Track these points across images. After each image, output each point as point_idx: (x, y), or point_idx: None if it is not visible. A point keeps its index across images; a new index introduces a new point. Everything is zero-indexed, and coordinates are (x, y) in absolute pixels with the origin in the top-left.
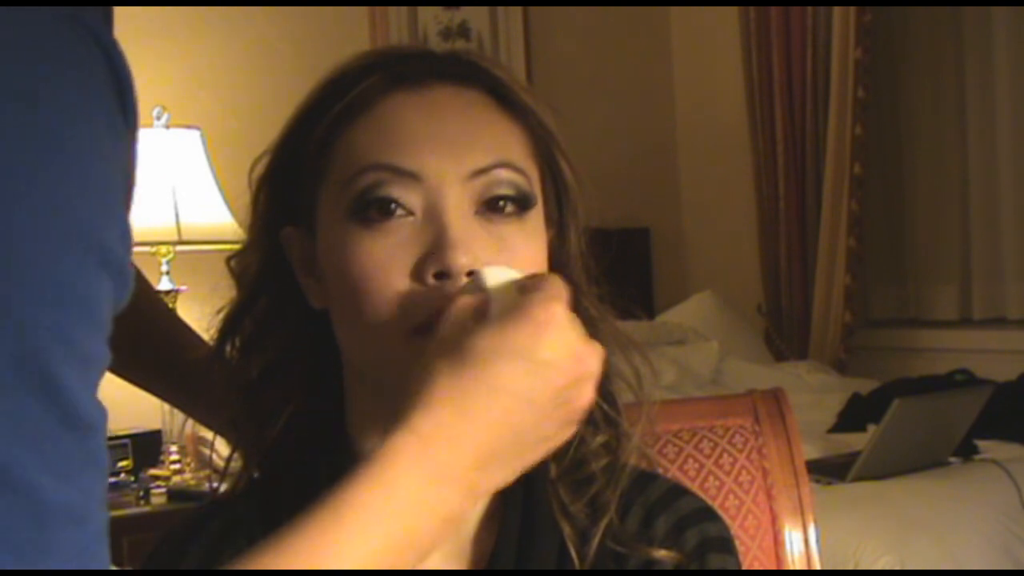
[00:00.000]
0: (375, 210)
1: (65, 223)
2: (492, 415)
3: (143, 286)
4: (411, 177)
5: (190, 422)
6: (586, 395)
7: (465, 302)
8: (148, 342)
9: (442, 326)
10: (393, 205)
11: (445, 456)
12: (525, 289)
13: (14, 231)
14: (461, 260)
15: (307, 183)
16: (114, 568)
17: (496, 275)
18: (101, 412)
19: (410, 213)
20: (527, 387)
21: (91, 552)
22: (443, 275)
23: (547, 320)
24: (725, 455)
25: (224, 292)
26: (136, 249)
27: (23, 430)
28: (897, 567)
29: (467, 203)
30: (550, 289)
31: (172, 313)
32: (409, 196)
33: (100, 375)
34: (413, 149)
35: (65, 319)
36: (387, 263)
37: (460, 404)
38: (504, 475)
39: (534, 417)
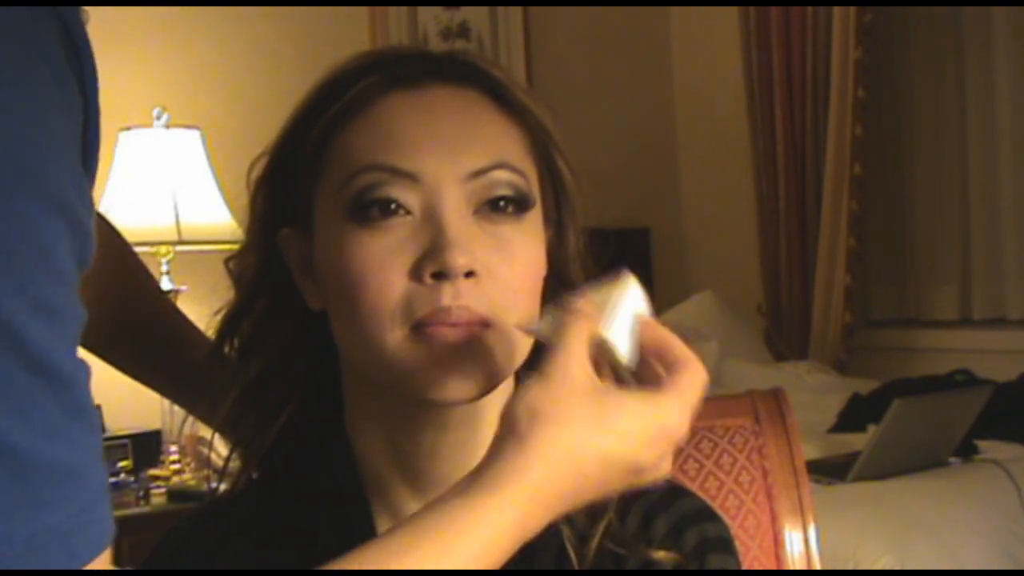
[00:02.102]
0: (373, 210)
1: (14, 169)
2: (601, 474)
3: (147, 283)
4: (409, 177)
5: (190, 422)
6: (669, 463)
7: (588, 328)
8: (151, 339)
9: (568, 343)
10: (392, 205)
11: (543, 510)
12: (663, 353)
13: None
14: (459, 260)
15: (305, 184)
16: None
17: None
18: (81, 366)
19: (408, 213)
20: (648, 457)
21: (89, 511)
22: (441, 275)
23: (694, 399)
24: (725, 455)
25: (223, 292)
26: (136, 249)
27: None
28: (897, 567)
29: (465, 203)
30: (700, 368)
31: (176, 310)
32: (407, 196)
33: (74, 329)
34: (411, 150)
35: (23, 269)
36: (385, 263)
37: (580, 465)
38: None
39: (630, 478)
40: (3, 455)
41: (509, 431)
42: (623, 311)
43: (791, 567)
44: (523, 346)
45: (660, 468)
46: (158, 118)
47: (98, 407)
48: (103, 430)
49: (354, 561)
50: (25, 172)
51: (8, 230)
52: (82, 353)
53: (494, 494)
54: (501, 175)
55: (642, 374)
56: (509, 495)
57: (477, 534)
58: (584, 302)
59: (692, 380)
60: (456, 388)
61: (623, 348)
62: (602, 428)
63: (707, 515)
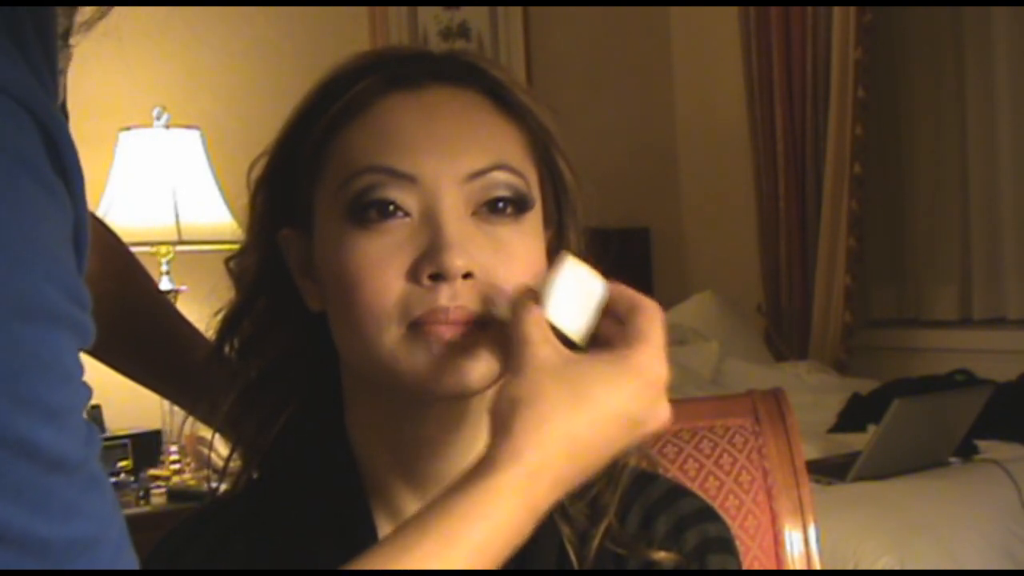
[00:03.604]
0: (371, 212)
1: (3, 296)
2: (595, 442)
3: (146, 284)
4: (407, 179)
5: (190, 422)
6: (666, 407)
7: (537, 317)
8: (150, 340)
9: (524, 334)
10: (390, 207)
11: (545, 491)
12: (615, 309)
13: None
14: (457, 262)
15: (304, 185)
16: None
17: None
18: (84, 439)
19: (407, 215)
20: (636, 408)
21: (115, 562)
22: (438, 276)
23: (659, 339)
24: (725, 455)
25: (223, 293)
26: (136, 249)
27: (5, 487)
28: (897, 567)
29: (463, 205)
30: (651, 306)
31: (175, 311)
32: (405, 198)
33: (80, 413)
34: (409, 151)
35: (29, 388)
36: (382, 264)
37: (571, 443)
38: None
39: (631, 434)
40: (33, 548)
41: (496, 426)
42: (562, 289)
43: (791, 567)
44: None
45: (658, 414)
46: (158, 118)
47: (98, 407)
48: (103, 430)
49: (359, 563)
50: (14, 297)
51: (11, 359)
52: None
53: (490, 482)
54: (500, 176)
55: (602, 336)
56: (505, 480)
57: (479, 523)
58: (526, 290)
59: (650, 323)
60: (454, 383)
61: (571, 325)
62: (580, 397)
63: (708, 515)
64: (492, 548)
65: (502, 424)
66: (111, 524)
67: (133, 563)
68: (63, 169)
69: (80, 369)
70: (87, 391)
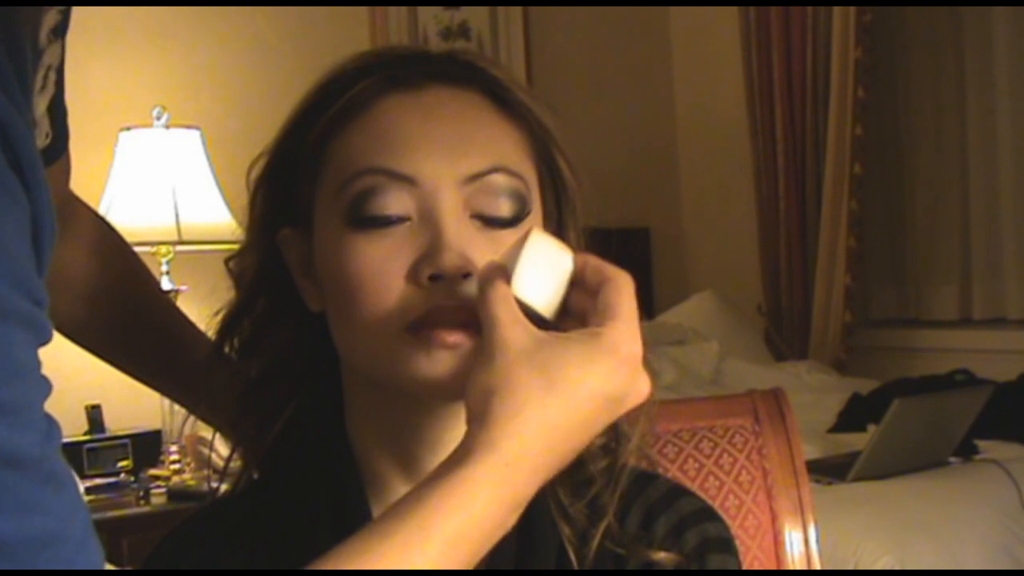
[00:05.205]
0: (371, 214)
1: None
2: (573, 426)
3: (148, 283)
4: (406, 180)
5: (190, 422)
6: (645, 380)
7: (504, 294)
8: (152, 339)
9: (493, 315)
10: (389, 209)
11: (524, 479)
12: (584, 281)
13: None
14: (456, 262)
15: (303, 185)
16: (114, 568)
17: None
18: (42, 435)
19: (406, 216)
20: (612, 387)
21: (76, 559)
22: (438, 277)
23: (631, 312)
24: (725, 455)
25: (223, 292)
26: (136, 249)
27: None
28: (897, 567)
29: (462, 206)
30: (621, 277)
31: (177, 310)
32: (404, 199)
33: (39, 407)
34: (408, 152)
35: None
36: (383, 266)
37: (548, 430)
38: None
39: (610, 412)
40: None
41: (471, 415)
42: (529, 264)
43: (791, 567)
44: None
45: (638, 389)
46: (158, 118)
47: (98, 407)
48: (103, 430)
49: (333, 555)
50: None
51: None
52: (65, 358)
53: (465, 472)
54: (499, 179)
55: (573, 308)
56: (482, 471)
57: (454, 514)
58: (493, 267)
59: (619, 295)
60: (455, 383)
61: (539, 300)
62: (554, 381)
63: (707, 515)
64: (469, 539)
65: (477, 414)
66: (72, 520)
67: (98, 560)
68: (17, 162)
69: (37, 364)
70: (46, 386)
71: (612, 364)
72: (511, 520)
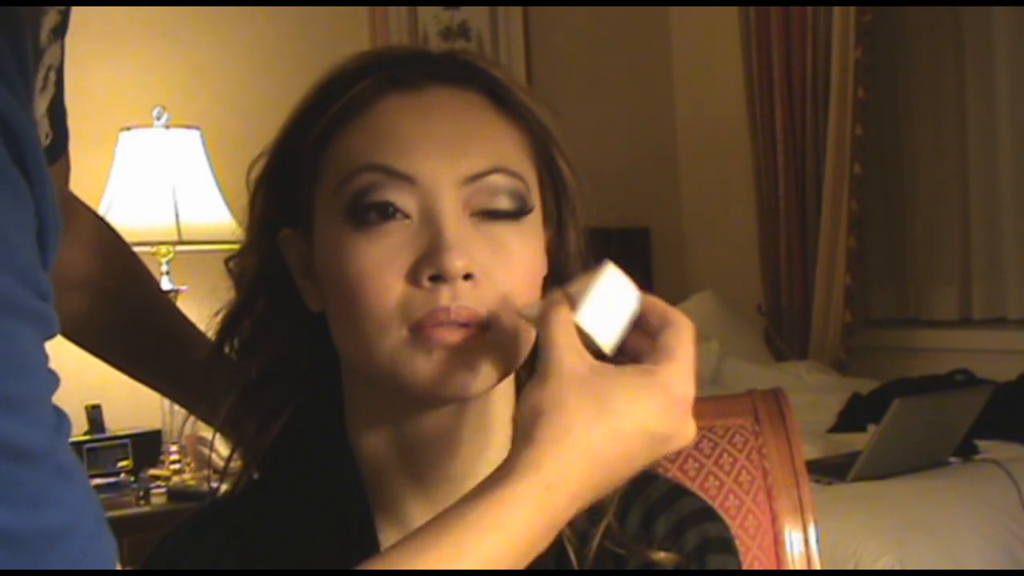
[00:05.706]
0: (370, 214)
1: None
2: (616, 457)
3: (148, 284)
4: (406, 179)
5: (190, 422)
6: (692, 425)
7: (566, 321)
8: (152, 339)
9: (552, 339)
10: (389, 209)
11: (563, 504)
12: (646, 322)
13: None
14: (457, 263)
15: (303, 185)
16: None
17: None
18: (51, 428)
19: (406, 216)
20: (660, 425)
21: (89, 553)
22: (438, 278)
23: (688, 356)
24: (725, 455)
25: (223, 293)
26: (136, 249)
27: None
28: (897, 567)
29: (462, 206)
30: (683, 322)
31: (177, 311)
32: (404, 198)
33: (46, 403)
34: (408, 151)
35: None
36: (383, 266)
37: (591, 457)
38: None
39: (653, 451)
40: (1, 540)
41: (519, 434)
42: (598, 297)
43: (791, 567)
44: (525, 341)
45: (685, 432)
46: (158, 118)
47: (98, 407)
48: (103, 430)
49: (368, 566)
50: None
51: None
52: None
53: (507, 491)
54: (498, 180)
55: (630, 348)
56: (521, 490)
57: (492, 533)
58: (560, 293)
59: (679, 339)
60: (456, 386)
61: (602, 334)
62: (603, 410)
63: (708, 515)
64: (505, 559)
65: (524, 433)
66: (83, 513)
67: (110, 552)
68: (22, 160)
69: (44, 358)
70: (54, 379)
71: (663, 402)
72: (544, 543)
